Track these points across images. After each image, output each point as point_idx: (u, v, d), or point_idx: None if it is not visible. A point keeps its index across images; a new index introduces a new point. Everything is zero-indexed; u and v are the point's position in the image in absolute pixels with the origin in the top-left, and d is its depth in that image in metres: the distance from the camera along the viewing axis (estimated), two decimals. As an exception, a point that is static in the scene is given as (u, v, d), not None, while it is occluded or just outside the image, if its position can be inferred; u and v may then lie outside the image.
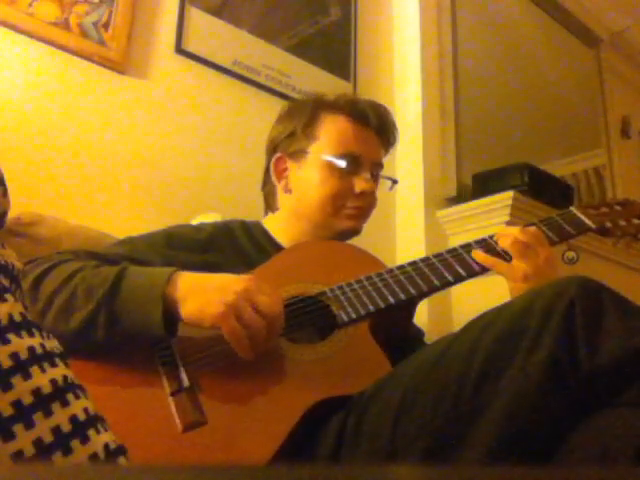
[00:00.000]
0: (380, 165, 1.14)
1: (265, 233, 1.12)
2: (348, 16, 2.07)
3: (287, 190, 1.11)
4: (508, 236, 0.95)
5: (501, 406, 0.63)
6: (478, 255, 0.95)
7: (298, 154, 1.10)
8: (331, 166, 1.06)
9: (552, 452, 0.62)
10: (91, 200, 1.41)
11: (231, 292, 0.78)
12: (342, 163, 1.06)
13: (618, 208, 1.06)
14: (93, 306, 0.79)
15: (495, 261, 0.94)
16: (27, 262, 0.88)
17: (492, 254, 0.95)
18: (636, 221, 1.05)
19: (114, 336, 0.79)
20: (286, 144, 1.11)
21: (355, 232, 1.11)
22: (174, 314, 0.80)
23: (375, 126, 1.11)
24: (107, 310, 0.79)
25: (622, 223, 1.04)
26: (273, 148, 1.14)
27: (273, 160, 1.13)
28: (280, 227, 1.13)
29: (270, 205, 1.18)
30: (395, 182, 1.19)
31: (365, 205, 1.10)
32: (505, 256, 0.95)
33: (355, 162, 1.07)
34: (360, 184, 1.07)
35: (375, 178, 1.13)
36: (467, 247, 0.97)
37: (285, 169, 1.12)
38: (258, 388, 0.79)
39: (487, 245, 0.97)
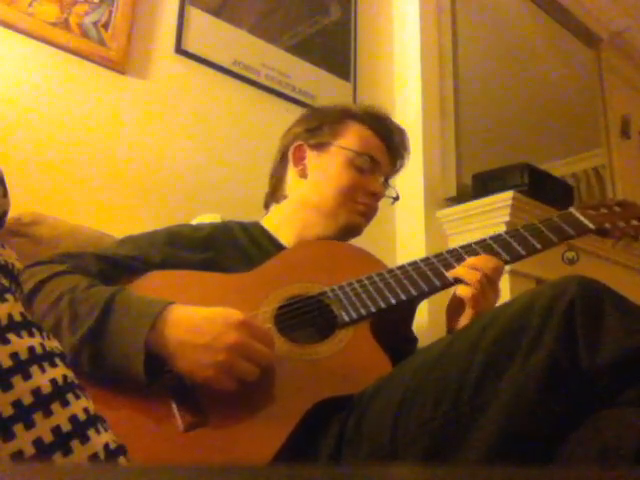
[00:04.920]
0: (387, 182, 1.17)
1: (264, 232, 1.12)
2: (348, 16, 2.06)
3: (303, 175, 1.13)
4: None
5: (501, 406, 0.63)
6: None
7: (320, 146, 1.13)
8: (351, 161, 1.10)
9: (552, 452, 0.62)
10: (91, 200, 1.41)
11: (222, 348, 0.75)
12: (363, 160, 1.10)
13: (617, 209, 1.06)
14: (77, 340, 0.77)
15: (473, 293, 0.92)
16: (26, 266, 0.87)
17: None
18: (635, 222, 1.04)
19: (99, 373, 0.77)
20: (308, 136, 1.15)
21: (358, 230, 1.13)
22: (159, 358, 0.77)
23: (394, 146, 1.16)
24: (90, 349, 0.77)
25: (621, 224, 1.04)
26: (293, 139, 1.16)
27: (292, 147, 1.15)
28: (282, 221, 1.13)
29: (275, 194, 1.18)
30: (397, 198, 1.21)
31: (373, 206, 1.13)
32: None
33: (374, 164, 1.11)
34: (375, 185, 1.11)
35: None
36: (467, 248, 0.97)
37: (303, 157, 1.14)
38: (259, 388, 0.79)
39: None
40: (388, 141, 1.15)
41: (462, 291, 0.91)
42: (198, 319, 0.78)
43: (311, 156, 1.13)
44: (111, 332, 0.77)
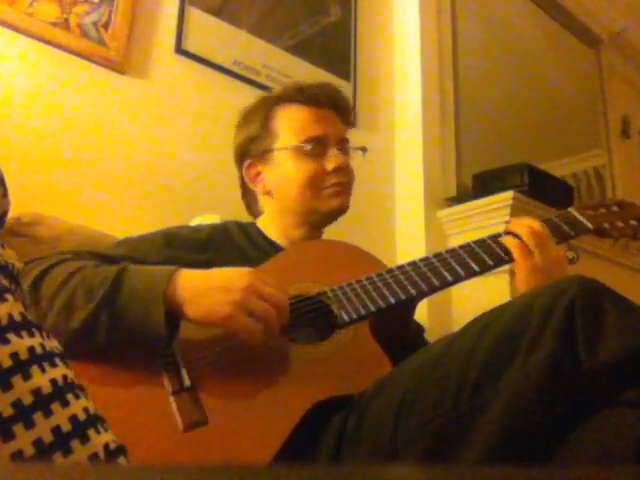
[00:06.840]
0: (345, 140, 1.15)
1: (261, 233, 1.13)
2: (348, 16, 2.06)
3: (266, 192, 1.13)
4: (524, 225, 0.96)
5: (501, 406, 0.63)
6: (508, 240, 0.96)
7: (265, 154, 1.12)
8: (299, 153, 1.08)
9: (552, 452, 0.62)
10: (91, 200, 1.41)
11: (236, 289, 0.78)
12: (307, 147, 1.07)
13: (615, 209, 1.06)
14: (94, 306, 0.78)
15: (518, 244, 0.94)
16: (27, 262, 0.88)
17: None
18: (633, 222, 1.04)
19: (116, 337, 0.79)
20: (252, 148, 1.13)
21: (342, 209, 1.12)
22: (176, 313, 0.80)
23: (328, 104, 1.13)
24: (108, 310, 0.78)
25: (620, 224, 1.04)
26: (241, 156, 1.16)
27: (244, 168, 1.14)
28: (272, 226, 1.14)
29: (254, 212, 1.19)
30: (364, 150, 1.18)
31: (344, 180, 1.11)
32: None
33: (320, 143, 1.09)
34: (330, 161, 1.09)
35: (344, 152, 1.13)
36: (467, 247, 0.97)
37: (258, 173, 1.14)
38: (259, 388, 0.79)
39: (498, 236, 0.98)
40: (320, 103, 1.11)
41: (509, 242, 0.94)
42: (211, 272, 0.82)
43: (264, 169, 1.12)
44: (128, 292, 0.79)
